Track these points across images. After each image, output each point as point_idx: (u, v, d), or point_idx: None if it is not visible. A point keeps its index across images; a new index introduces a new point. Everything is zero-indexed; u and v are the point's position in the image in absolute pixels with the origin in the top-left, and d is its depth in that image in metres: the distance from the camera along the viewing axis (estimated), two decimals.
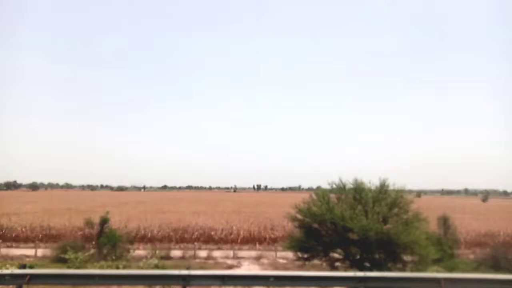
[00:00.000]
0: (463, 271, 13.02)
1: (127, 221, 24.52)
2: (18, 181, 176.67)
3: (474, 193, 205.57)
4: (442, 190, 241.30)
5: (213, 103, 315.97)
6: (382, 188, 8.51)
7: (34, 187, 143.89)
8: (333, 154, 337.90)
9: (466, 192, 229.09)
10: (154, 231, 20.34)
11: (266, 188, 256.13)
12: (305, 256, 8.49)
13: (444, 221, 15.88)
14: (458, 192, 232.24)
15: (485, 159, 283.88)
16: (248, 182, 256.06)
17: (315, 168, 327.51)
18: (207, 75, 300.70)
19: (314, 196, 9.04)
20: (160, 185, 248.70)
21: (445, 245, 15.19)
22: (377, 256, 7.96)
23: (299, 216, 8.82)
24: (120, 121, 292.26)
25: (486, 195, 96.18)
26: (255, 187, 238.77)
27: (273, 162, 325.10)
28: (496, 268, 14.59)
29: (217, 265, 13.80)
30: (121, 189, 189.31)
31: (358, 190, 8.38)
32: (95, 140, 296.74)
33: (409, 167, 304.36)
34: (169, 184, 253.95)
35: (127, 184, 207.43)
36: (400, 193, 8.43)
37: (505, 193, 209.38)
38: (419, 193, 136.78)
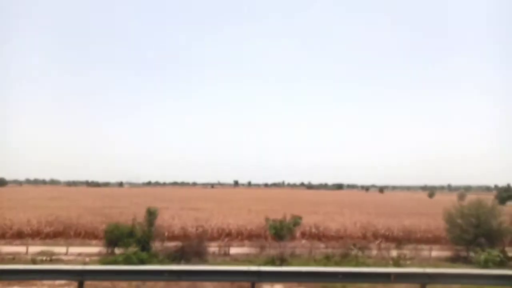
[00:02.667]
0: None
1: None
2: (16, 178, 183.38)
3: (456, 189, 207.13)
4: (425, 186, 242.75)
5: (200, 99, 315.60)
6: None
7: (2, 183, 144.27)
8: (321, 150, 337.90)
9: (449, 188, 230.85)
10: None
11: (249, 184, 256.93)
12: None
13: (149, 214, 16.13)
14: (442, 188, 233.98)
15: (475, 156, 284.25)
16: (235, 177, 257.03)
17: (300, 164, 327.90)
18: (189, 71, 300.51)
19: None
20: (153, 180, 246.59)
21: (135, 237, 15.49)
22: None
23: None
24: (109, 118, 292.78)
25: (432, 191, 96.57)
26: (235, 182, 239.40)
27: (257, 158, 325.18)
28: (179, 260, 14.93)
29: None
30: (97, 185, 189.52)
31: None
32: (85, 136, 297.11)
33: (397, 164, 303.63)
34: (160, 180, 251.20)
35: (123, 180, 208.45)
36: None
37: (488, 189, 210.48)
38: (381, 189, 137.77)
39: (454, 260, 15.60)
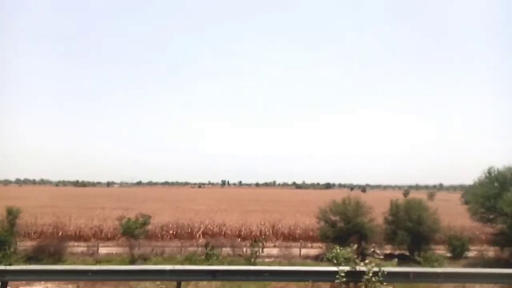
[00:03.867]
0: None
1: None
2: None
3: (448, 188, 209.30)
4: (417, 185, 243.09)
5: (196, 100, 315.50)
6: None
7: None
8: (317, 150, 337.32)
9: (441, 187, 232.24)
10: None
11: (240, 183, 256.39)
12: None
13: (9, 214, 15.76)
14: (434, 187, 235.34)
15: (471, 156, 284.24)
16: (230, 177, 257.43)
17: (295, 164, 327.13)
18: (183, 72, 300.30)
19: None
20: (146, 180, 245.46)
21: None
22: None
23: None
24: (105, 119, 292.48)
25: (408, 190, 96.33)
26: (223, 182, 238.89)
27: (251, 158, 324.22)
28: (34, 260, 14.57)
29: None
30: (84, 185, 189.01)
31: None
32: (83, 137, 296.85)
33: (395, 164, 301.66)
34: (153, 180, 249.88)
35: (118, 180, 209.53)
36: None
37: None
38: (364, 188, 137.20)
39: (318, 257, 15.25)
